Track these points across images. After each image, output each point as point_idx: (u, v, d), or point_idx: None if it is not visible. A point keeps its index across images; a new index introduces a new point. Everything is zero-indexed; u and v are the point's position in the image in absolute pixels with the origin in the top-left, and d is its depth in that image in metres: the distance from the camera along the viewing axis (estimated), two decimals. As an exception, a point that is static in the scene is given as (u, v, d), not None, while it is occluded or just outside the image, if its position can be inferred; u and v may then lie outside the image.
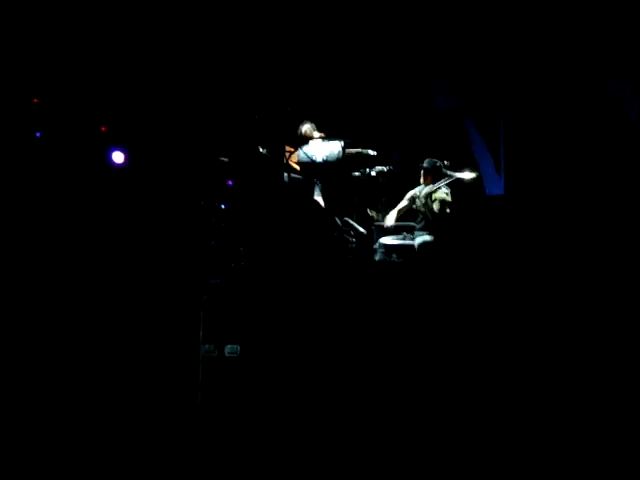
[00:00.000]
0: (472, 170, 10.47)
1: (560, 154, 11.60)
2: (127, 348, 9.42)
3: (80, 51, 11.53)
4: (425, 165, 10.30)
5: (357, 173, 10.68)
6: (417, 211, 10.32)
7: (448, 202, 10.05)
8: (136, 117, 11.56)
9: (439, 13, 12.44)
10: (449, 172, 10.27)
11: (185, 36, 12.15)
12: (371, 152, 10.62)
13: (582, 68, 11.61)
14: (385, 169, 10.62)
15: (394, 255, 10.09)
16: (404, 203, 10.46)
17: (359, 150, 10.65)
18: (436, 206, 9.99)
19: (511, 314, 8.63)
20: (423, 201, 10.17)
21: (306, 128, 10.76)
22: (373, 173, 10.60)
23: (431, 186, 10.13)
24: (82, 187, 10.84)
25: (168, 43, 12.01)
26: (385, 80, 13.18)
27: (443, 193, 10.06)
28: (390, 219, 10.36)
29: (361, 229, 10.55)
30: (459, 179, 10.25)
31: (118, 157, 11.42)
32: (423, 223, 10.18)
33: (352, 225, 10.54)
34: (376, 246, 10.28)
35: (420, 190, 10.33)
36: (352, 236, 10.50)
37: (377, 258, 10.16)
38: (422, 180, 10.35)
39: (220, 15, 12.37)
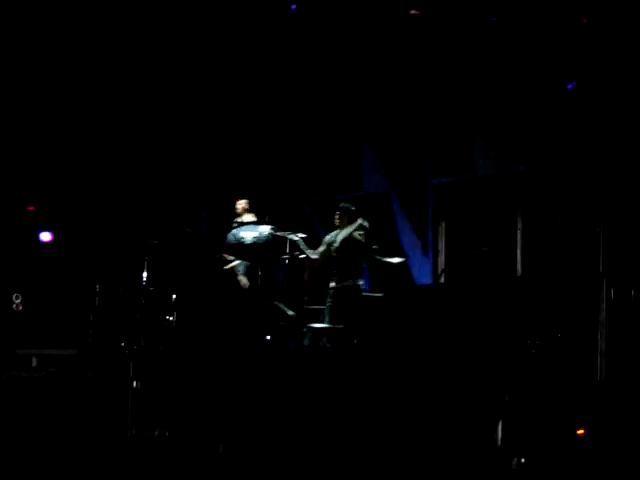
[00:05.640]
0: (400, 255, 10.57)
1: (490, 238, 11.74)
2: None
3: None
4: (342, 205, 10.36)
5: (286, 256, 10.69)
6: (332, 256, 10.30)
7: (364, 243, 10.06)
8: (64, 198, 11.57)
9: (372, 97, 12.62)
10: (377, 256, 10.32)
11: (110, 117, 12.23)
12: (300, 235, 10.61)
13: (511, 153, 11.79)
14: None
15: (324, 339, 10.01)
16: (322, 247, 10.41)
17: (288, 233, 10.65)
18: (352, 247, 10.02)
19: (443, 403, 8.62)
20: (338, 245, 10.18)
21: (243, 202, 10.84)
22: (302, 256, 10.60)
23: (347, 229, 10.15)
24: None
25: (96, 124, 12.06)
26: (315, 162, 13.31)
27: (358, 235, 10.08)
28: (314, 255, 10.35)
29: (290, 312, 10.53)
30: (387, 263, 10.30)
31: (45, 236, 11.47)
32: (339, 268, 10.18)
33: (281, 309, 10.51)
34: (305, 329, 10.22)
35: (335, 235, 10.35)
36: (281, 319, 10.48)
37: (306, 343, 10.08)
38: (337, 222, 10.35)
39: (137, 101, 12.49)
